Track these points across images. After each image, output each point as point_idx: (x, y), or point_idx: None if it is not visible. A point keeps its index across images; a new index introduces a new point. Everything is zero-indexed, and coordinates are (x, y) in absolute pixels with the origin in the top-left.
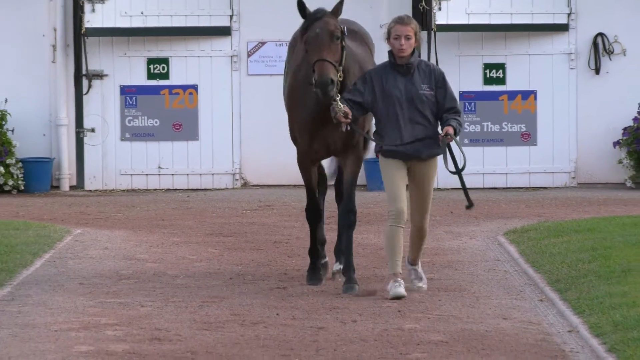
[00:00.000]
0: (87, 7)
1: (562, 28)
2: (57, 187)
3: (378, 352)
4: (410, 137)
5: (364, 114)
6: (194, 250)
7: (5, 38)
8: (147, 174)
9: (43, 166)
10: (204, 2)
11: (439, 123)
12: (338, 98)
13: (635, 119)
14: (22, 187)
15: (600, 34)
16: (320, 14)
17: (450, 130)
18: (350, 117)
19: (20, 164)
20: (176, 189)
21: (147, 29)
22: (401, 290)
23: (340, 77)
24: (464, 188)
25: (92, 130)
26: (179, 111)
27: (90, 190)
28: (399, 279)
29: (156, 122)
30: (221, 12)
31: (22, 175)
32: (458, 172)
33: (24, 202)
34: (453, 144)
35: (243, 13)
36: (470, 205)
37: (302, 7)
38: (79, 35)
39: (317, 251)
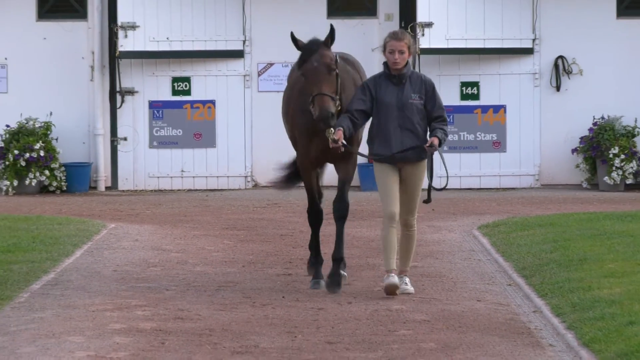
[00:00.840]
0: (121, 33)
1: (528, 52)
2: (95, 188)
3: (370, 329)
4: (399, 142)
5: (366, 121)
6: (211, 242)
7: (50, 60)
8: (171, 177)
9: (82, 170)
10: (220, 29)
11: (427, 129)
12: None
13: (590, 130)
14: (65, 188)
15: (561, 57)
16: (315, 46)
17: (436, 141)
18: (341, 140)
19: (63, 168)
20: (196, 189)
21: (172, 52)
22: (393, 279)
23: (338, 107)
24: (429, 187)
25: (125, 139)
26: (199, 123)
27: (123, 191)
28: (392, 274)
29: (179, 132)
30: (235, 37)
31: (64, 177)
32: (442, 189)
33: (66, 200)
34: (436, 156)
35: (254, 39)
36: (428, 200)
37: (294, 39)
38: (114, 58)
39: (317, 247)
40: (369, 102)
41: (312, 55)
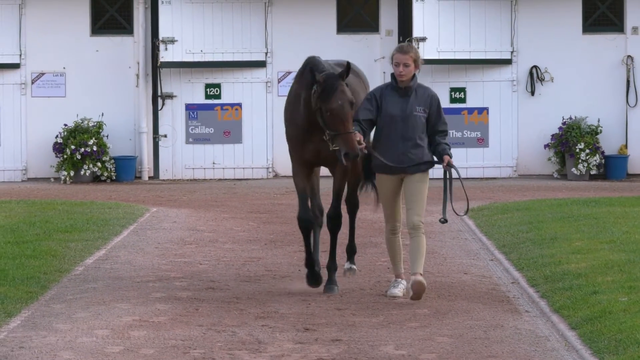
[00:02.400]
0: (162, 46)
1: (507, 62)
2: (139, 178)
3: (373, 298)
4: (401, 153)
5: (372, 130)
6: (238, 223)
7: (102, 69)
8: (204, 168)
9: (129, 162)
10: (246, 43)
11: (427, 141)
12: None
13: (560, 128)
14: (114, 178)
15: (535, 66)
16: (336, 83)
17: (451, 160)
18: (362, 140)
19: (112, 161)
20: (225, 179)
21: (205, 62)
22: (396, 291)
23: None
24: (444, 206)
25: (165, 136)
26: (228, 122)
27: (163, 180)
28: (399, 280)
29: (211, 130)
30: (259, 50)
31: (114, 169)
32: (464, 214)
33: (115, 188)
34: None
35: (275, 51)
36: (444, 220)
37: (313, 74)
38: (156, 67)
39: (312, 258)
40: (375, 112)
41: (335, 93)
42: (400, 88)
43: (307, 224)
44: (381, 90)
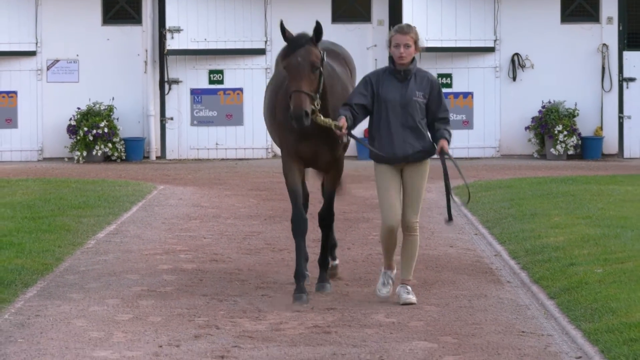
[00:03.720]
0: (168, 35)
1: (490, 50)
2: (147, 158)
3: (365, 269)
4: (401, 141)
5: (365, 117)
6: (239, 200)
7: (112, 56)
8: (208, 149)
9: (138, 143)
10: (247, 32)
11: (428, 129)
12: (322, 117)
13: (539, 112)
14: (124, 157)
15: (516, 54)
16: (303, 40)
17: (445, 146)
18: (344, 127)
19: (122, 142)
20: (228, 159)
21: (209, 50)
22: (384, 292)
23: (318, 104)
24: (448, 204)
25: (171, 118)
26: (230, 106)
27: (170, 160)
28: (388, 272)
29: (214, 113)
30: (259, 38)
31: (124, 149)
32: (467, 203)
33: (125, 167)
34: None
35: (274, 39)
36: (450, 220)
37: (283, 29)
38: (163, 55)
39: (302, 271)
40: (369, 97)
41: (298, 50)
42: (399, 72)
43: (303, 227)
44: (378, 74)
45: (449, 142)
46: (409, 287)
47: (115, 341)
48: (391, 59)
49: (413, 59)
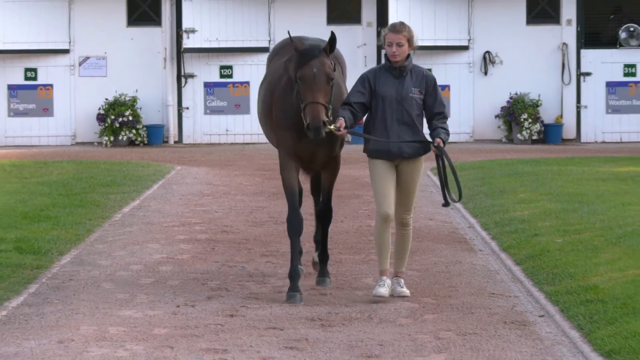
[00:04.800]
0: (185, 35)
1: (465, 48)
2: (166, 142)
3: (356, 239)
4: (396, 136)
5: (365, 114)
6: (246, 179)
7: (136, 54)
8: (219, 134)
9: (158, 129)
10: (253, 33)
11: (424, 125)
12: (331, 125)
13: (507, 102)
14: (146, 142)
15: (487, 52)
16: (316, 51)
17: (441, 143)
18: (343, 127)
19: (144, 128)
20: (236, 143)
21: (220, 48)
22: (382, 290)
23: (330, 116)
24: (443, 188)
25: (187, 108)
26: (238, 97)
27: (186, 144)
28: (384, 277)
29: (225, 103)
30: (263, 38)
31: (146, 135)
32: (458, 200)
33: (147, 150)
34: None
35: (277, 38)
36: (446, 203)
37: (291, 41)
38: (180, 52)
39: (296, 270)
40: (367, 95)
41: (312, 61)
42: (395, 69)
43: (299, 227)
44: (375, 72)
45: (444, 142)
46: (402, 281)
47: (138, 302)
48: (387, 56)
49: (408, 56)
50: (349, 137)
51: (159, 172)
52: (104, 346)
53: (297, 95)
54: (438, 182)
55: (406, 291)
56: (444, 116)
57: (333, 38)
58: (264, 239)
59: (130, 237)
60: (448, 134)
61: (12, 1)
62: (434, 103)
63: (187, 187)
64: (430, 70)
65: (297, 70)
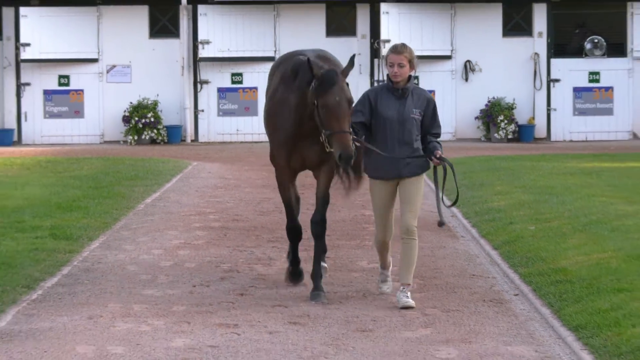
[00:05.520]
0: (200, 46)
1: (448, 57)
2: (184, 141)
3: (352, 227)
4: (397, 155)
5: (366, 132)
6: (255, 174)
7: (157, 62)
8: (230, 134)
9: (176, 129)
10: (260, 44)
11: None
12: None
13: (486, 105)
14: (166, 140)
15: (468, 61)
16: (335, 77)
17: (441, 154)
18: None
19: (164, 128)
20: (246, 142)
21: (231, 58)
22: (385, 288)
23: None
24: (439, 208)
25: (202, 110)
26: (248, 101)
27: (201, 142)
28: (386, 272)
29: (236, 106)
30: (270, 48)
31: (166, 134)
32: (452, 205)
33: (167, 148)
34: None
35: (281, 49)
36: (442, 223)
37: (310, 67)
38: (196, 61)
39: (297, 260)
40: (367, 114)
41: (332, 88)
42: (397, 89)
43: (298, 233)
44: (376, 91)
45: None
46: (408, 293)
47: (159, 282)
48: (389, 76)
49: (409, 78)
50: (353, 146)
51: (177, 167)
52: (128, 321)
53: (295, 109)
54: (432, 185)
55: (411, 302)
56: (438, 136)
57: (352, 61)
58: (270, 227)
59: (152, 224)
60: (442, 148)
61: (48, 16)
62: (431, 124)
63: (202, 181)
64: (417, 77)
65: (318, 98)
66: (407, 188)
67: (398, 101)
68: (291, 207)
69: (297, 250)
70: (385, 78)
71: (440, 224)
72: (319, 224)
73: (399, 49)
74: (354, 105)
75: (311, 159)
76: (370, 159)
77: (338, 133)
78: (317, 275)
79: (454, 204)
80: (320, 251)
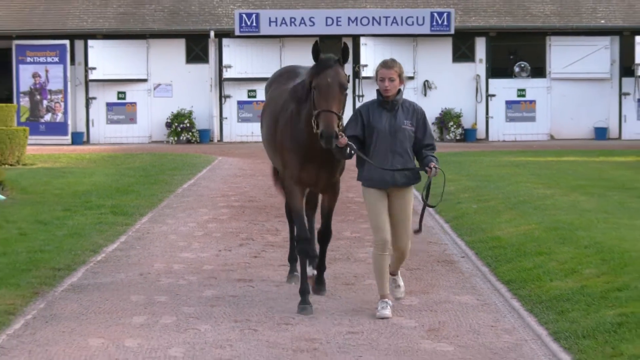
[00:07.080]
0: (224, 69)
1: (412, 78)
2: (212, 141)
3: (341, 209)
4: (389, 166)
5: (360, 147)
6: (267, 166)
7: (192, 82)
8: (247, 136)
9: (206, 132)
10: (269, 67)
11: (415, 156)
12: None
13: (440, 114)
14: (198, 141)
15: (426, 80)
16: (331, 61)
17: (435, 165)
18: (346, 141)
19: (197, 131)
20: (259, 142)
21: (247, 78)
22: (386, 312)
23: (340, 126)
24: (422, 214)
25: (226, 118)
26: (260, 111)
27: (225, 142)
28: (387, 300)
29: (251, 115)
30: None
31: (198, 136)
32: (434, 206)
33: (199, 147)
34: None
35: None
36: (419, 230)
37: (316, 50)
38: (221, 81)
39: (306, 287)
40: (360, 129)
41: (327, 71)
42: (387, 103)
43: (308, 246)
44: (367, 107)
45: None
46: (399, 279)
47: (193, 247)
48: (379, 91)
49: (399, 91)
50: (347, 149)
51: (207, 161)
52: (170, 277)
53: (306, 120)
54: (419, 195)
55: (402, 293)
56: (432, 147)
57: (346, 49)
58: (277, 206)
59: (188, 204)
60: (437, 161)
61: (110, 47)
62: (423, 136)
63: (225, 171)
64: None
65: (313, 79)
66: (398, 203)
67: (389, 113)
68: (303, 217)
69: (306, 271)
70: (362, 93)
71: (417, 231)
72: (326, 234)
73: (390, 64)
74: (345, 123)
75: (323, 176)
76: (364, 169)
77: (324, 111)
78: (321, 281)
79: (434, 206)
80: (325, 255)
